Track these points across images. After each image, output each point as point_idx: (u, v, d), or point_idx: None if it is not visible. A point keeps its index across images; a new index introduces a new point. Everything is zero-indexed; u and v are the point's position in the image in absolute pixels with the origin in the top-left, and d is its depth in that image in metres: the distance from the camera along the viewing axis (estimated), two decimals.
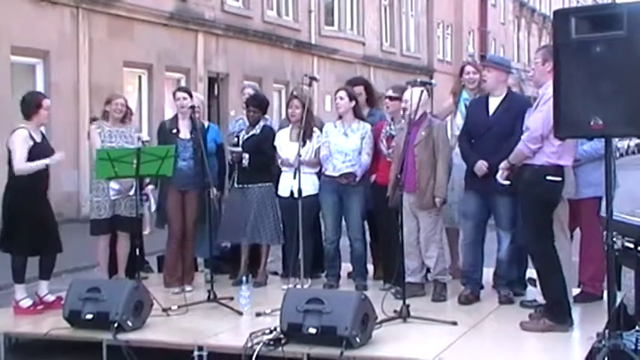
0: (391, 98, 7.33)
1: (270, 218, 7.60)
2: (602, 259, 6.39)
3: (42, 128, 7.05)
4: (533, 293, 6.59)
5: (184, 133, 7.50)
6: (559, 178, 5.69)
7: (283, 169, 7.48)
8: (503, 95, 6.66)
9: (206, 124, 8.06)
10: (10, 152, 6.75)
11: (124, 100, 7.68)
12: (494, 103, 6.65)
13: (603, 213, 6.41)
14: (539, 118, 5.60)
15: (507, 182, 6.01)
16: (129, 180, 7.08)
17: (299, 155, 6.92)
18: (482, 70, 6.81)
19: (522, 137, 5.77)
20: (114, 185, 7.33)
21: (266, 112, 7.91)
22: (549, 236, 5.69)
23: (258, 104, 7.81)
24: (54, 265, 7.02)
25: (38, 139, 6.80)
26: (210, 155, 7.56)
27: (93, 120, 8.48)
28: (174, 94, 7.73)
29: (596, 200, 6.52)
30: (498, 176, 6.03)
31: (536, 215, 5.70)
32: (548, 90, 5.49)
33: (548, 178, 5.65)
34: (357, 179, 7.20)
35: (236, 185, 7.67)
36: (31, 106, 6.86)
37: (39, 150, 6.75)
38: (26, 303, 6.75)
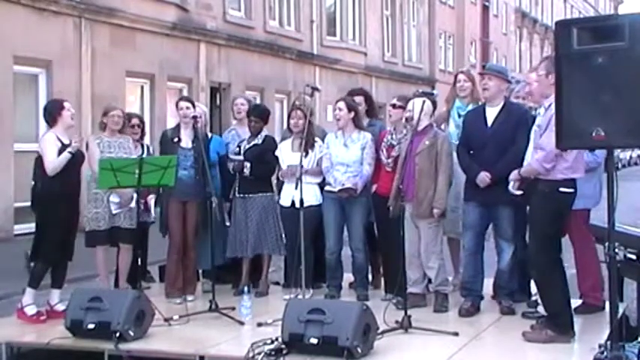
0: (394, 106, 7.34)
1: (272, 228, 7.60)
2: (598, 269, 6.43)
3: (70, 133, 7.03)
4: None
5: (186, 142, 7.50)
6: (572, 190, 5.69)
7: (285, 181, 7.48)
8: (501, 105, 6.66)
9: (209, 135, 8.05)
10: (38, 160, 6.82)
11: (121, 112, 7.69)
12: (492, 113, 6.64)
13: (593, 222, 6.46)
14: (553, 138, 5.54)
15: (520, 192, 5.99)
16: (128, 192, 7.09)
17: (301, 166, 6.92)
18: (483, 78, 6.80)
19: (536, 157, 5.71)
20: (114, 199, 7.31)
21: (267, 122, 7.91)
22: (555, 248, 5.69)
23: (259, 114, 7.82)
24: (66, 274, 7.06)
25: (66, 142, 6.84)
26: (212, 166, 7.56)
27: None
28: (176, 104, 7.75)
29: (585, 212, 6.54)
30: (510, 187, 6.02)
31: (545, 227, 5.67)
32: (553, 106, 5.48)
33: (562, 190, 5.65)
34: (358, 192, 7.18)
35: (237, 195, 7.67)
36: (54, 110, 6.96)
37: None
38: (31, 310, 6.74)
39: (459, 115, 7.36)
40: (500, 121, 6.58)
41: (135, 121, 8.22)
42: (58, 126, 6.89)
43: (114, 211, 7.34)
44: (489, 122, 6.62)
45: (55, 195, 6.76)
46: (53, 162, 6.73)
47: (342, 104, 7.35)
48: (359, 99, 7.78)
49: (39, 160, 6.87)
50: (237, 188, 7.67)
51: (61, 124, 6.90)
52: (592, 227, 6.60)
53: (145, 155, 7.83)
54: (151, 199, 7.76)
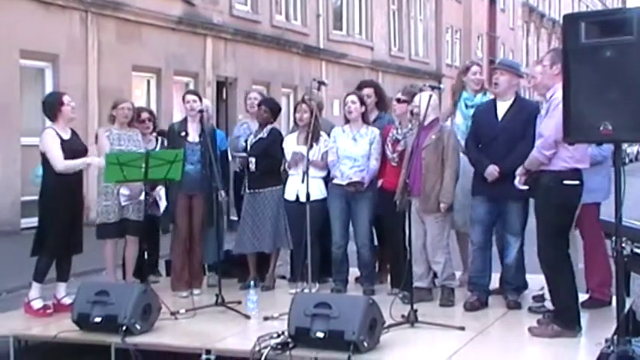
0: (399, 101, 7.33)
1: (282, 223, 7.60)
2: (607, 264, 6.40)
3: (71, 125, 7.02)
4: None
5: (193, 136, 7.50)
6: (577, 182, 5.67)
7: (290, 172, 7.48)
8: (512, 100, 6.65)
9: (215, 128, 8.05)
10: (43, 155, 6.82)
11: (131, 104, 7.69)
12: (503, 108, 6.64)
13: (602, 217, 6.44)
14: (551, 124, 5.56)
15: (526, 187, 5.98)
16: (138, 185, 7.10)
17: (307, 159, 6.92)
18: (495, 73, 6.79)
19: (536, 144, 5.72)
20: (124, 191, 7.34)
21: (276, 118, 7.91)
22: (564, 242, 5.67)
23: (271, 106, 7.84)
24: (70, 267, 7.07)
25: (66, 137, 6.85)
26: (218, 160, 7.54)
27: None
28: (183, 97, 7.75)
29: (595, 206, 6.52)
30: (516, 182, 6.00)
31: (552, 220, 5.66)
32: (557, 94, 5.48)
33: (566, 182, 5.62)
34: (365, 186, 7.18)
35: (247, 191, 7.66)
36: (53, 105, 6.94)
37: (67, 147, 6.81)
38: (37, 304, 6.77)
39: (467, 106, 7.35)
40: (510, 115, 6.57)
41: (145, 115, 8.18)
42: (58, 121, 6.89)
43: (123, 203, 7.36)
44: (500, 116, 6.61)
45: (56, 189, 6.77)
46: (62, 165, 6.72)
47: (355, 97, 7.36)
48: (369, 91, 7.76)
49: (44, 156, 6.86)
50: (246, 184, 7.67)
51: (61, 118, 6.89)
52: (600, 222, 6.58)
53: (158, 149, 7.83)
54: (161, 190, 7.73)
